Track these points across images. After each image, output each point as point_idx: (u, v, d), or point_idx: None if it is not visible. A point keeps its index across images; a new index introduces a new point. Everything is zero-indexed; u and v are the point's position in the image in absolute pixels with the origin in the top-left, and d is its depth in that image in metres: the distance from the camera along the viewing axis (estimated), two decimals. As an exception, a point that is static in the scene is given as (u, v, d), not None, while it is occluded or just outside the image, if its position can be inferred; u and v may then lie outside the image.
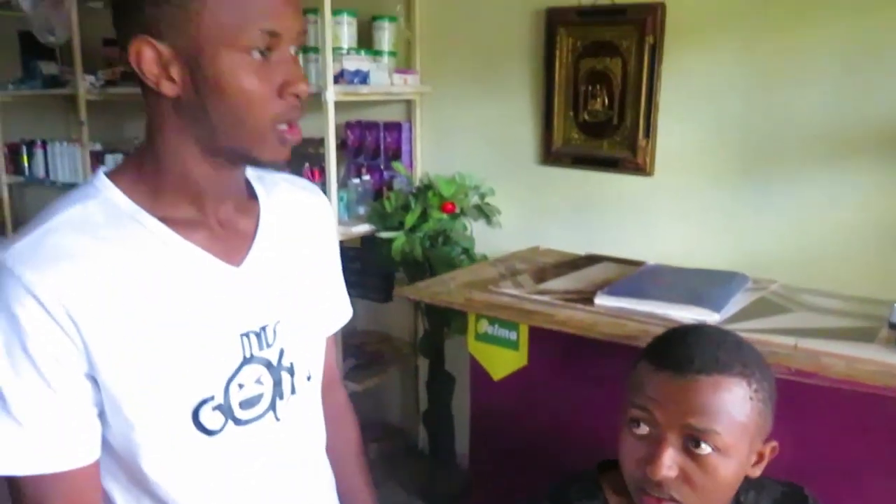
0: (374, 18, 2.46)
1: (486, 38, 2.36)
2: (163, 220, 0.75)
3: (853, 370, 1.01)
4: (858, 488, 1.12)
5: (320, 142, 2.28)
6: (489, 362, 1.46)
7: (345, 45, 2.37)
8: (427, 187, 2.37)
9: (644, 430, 0.85)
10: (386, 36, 2.47)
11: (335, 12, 2.24)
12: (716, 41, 1.94)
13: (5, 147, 3.77)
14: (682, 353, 0.86)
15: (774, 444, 0.89)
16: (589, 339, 1.21)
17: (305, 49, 2.24)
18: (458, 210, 2.30)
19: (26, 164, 3.72)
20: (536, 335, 1.36)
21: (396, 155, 2.58)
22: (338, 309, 1.00)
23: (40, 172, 3.63)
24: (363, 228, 2.38)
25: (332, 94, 2.15)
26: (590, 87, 2.18)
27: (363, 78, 2.29)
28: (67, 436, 0.71)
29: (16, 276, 0.67)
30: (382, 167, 2.63)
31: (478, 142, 2.45)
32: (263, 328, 0.81)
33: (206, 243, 0.77)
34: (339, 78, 2.23)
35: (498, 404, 1.47)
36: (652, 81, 2.05)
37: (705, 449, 0.81)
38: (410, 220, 2.21)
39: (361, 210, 2.50)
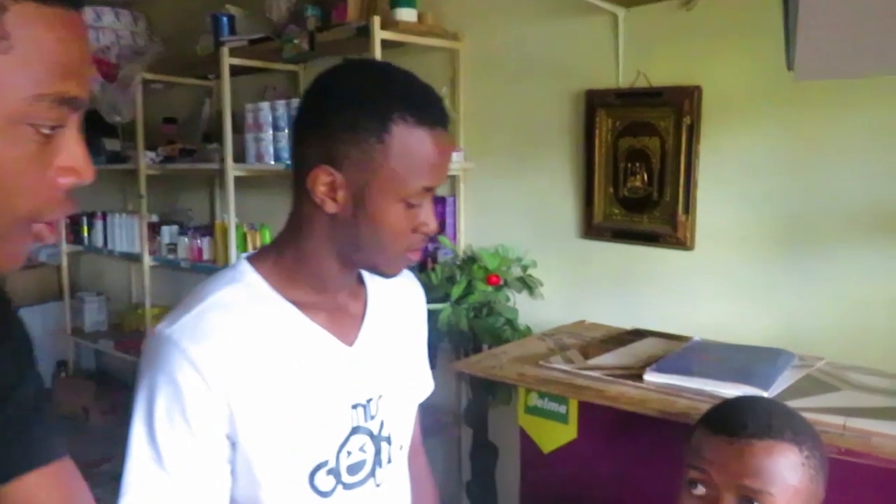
0: (421, 100, 2.59)
1: (528, 118, 2.47)
2: (293, 302, 0.87)
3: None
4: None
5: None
6: (539, 435, 1.50)
7: (394, 126, 2.50)
8: (471, 260, 2.46)
9: (702, 490, 0.90)
10: (432, 116, 2.60)
11: (386, 96, 2.38)
12: (752, 121, 2.01)
13: (67, 218, 3.99)
14: (737, 418, 0.92)
15: None
16: (639, 414, 1.25)
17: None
18: (502, 282, 2.37)
19: (86, 234, 3.92)
20: (586, 409, 1.40)
21: (441, 228, 2.67)
22: (424, 382, 1.10)
23: (99, 242, 3.82)
24: (410, 299, 2.46)
25: (382, 172, 2.27)
26: (629, 165, 2.26)
27: (411, 156, 2.41)
28: (207, 488, 0.81)
29: (181, 349, 0.79)
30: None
31: (520, 216, 2.54)
32: (369, 401, 0.92)
33: (326, 324, 0.89)
34: (388, 156, 2.35)
35: (548, 477, 1.50)
36: (690, 159, 2.12)
37: None
38: (456, 292, 2.29)
39: (407, 281, 2.59)
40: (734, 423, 0.92)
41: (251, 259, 0.90)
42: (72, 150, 0.53)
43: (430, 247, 2.71)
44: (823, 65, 1.78)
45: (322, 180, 0.82)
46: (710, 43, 2.04)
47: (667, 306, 2.20)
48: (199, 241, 3.29)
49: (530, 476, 1.54)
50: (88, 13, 3.29)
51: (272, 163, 2.79)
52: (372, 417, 0.92)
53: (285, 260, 0.89)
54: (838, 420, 1.12)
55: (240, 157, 2.91)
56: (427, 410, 2.86)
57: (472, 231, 2.67)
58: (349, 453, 0.89)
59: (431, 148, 0.82)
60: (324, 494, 0.87)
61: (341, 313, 0.92)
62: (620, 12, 2.19)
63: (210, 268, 3.10)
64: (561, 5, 2.33)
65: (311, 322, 0.88)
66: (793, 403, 1.20)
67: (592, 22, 2.26)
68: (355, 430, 0.90)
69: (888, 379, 1.35)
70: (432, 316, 2.36)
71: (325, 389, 0.87)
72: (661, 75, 2.15)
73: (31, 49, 0.48)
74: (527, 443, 1.52)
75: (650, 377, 1.30)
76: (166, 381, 0.79)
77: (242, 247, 2.98)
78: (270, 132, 2.79)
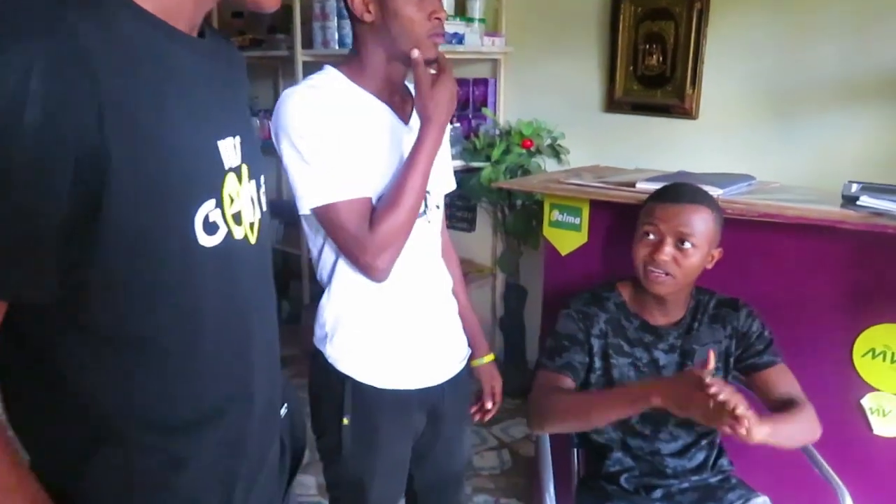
0: (469, -10, 2.97)
1: (561, 6, 2.84)
2: (364, 88, 1.27)
3: (804, 211, 1.50)
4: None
5: (423, 91, 2.81)
6: (559, 242, 1.97)
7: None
8: (509, 132, 2.88)
9: (652, 238, 1.37)
10: (478, 5, 2.97)
11: (439, -15, 2.75)
12: (751, 7, 2.37)
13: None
14: (677, 191, 1.39)
15: (720, 249, 1.43)
16: (629, 212, 1.69)
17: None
18: (534, 147, 2.80)
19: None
20: (593, 219, 1.85)
21: (483, 106, 3.09)
22: (450, 178, 1.50)
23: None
24: (457, 163, 2.90)
25: (435, 50, 2.67)
26: (647, 46, 2.63)
27: (460, 39, 2.81)
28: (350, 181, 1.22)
29: (296, 98, 1.20)
30: (470, 116, 3.14)
31: (552, 94, 2.94)
32: None
33: (394, 108, 1.30)
34: (440, 38, 2.75)
35: (564, 274, 1.98)
36: (699, 40, 2.49)
37: (687, 245, 1.34)
38: (496, 153, 2.72)
39: (454, 151, 3.02)
40: (676, 194, 1.39)
41: (333, 66, 1.30)
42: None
43: (473, 123, 3.13)
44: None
45: (357, 2, 1.21)
46: (720, -64, 2.37)
47: (675, 166, 2.61)
48: (268, 122, 3.75)
49: (551, 275, 2.02)
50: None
51: (337, 48, 3.19)
52: None
53: (353, 65, 1.27)
54: (762, 200, 1.58)
55: (306, 44, 3.32)
56: (467, 263, 3.34)
57: (510, 107, 3.08)
58: None
59: None
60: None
61: (398, 106, 1.30)
62: None
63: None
64: None
65: (380, 102, 1.27)
66: (738, 197, 1.65)
67: (621, -82, 2.59)
68: None
69: (817, 192, 1.78)
70: (475, 174, 2.81)
71: (391, 148, 1.27)
72: (678, -34, 2.49)
73: None
74: (550, 249, 1.99)
75: (641, 185, 1.73)
76: (289, 118, 1.16)
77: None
78: (335, 20, 3.18)
